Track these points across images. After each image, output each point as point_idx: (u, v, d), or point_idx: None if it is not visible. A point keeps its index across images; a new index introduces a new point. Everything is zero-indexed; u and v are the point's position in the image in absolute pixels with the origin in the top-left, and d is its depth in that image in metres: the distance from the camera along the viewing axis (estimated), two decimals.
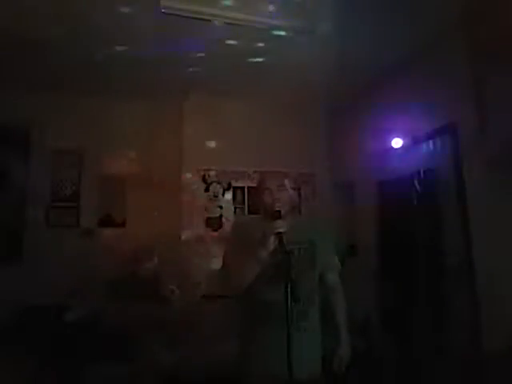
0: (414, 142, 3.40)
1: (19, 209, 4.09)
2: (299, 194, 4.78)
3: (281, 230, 1.51)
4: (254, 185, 4.46)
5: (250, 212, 4.55)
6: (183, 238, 4.29)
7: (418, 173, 3.28)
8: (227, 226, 4.40)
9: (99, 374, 2.88)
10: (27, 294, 3.53)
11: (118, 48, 3.33)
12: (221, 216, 4.46)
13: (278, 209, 1.62)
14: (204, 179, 4.48)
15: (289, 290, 1.41)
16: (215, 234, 4.38)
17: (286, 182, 1.75)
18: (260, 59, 3.57)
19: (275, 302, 1.53)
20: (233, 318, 3.04)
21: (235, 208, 4.54)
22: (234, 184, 4.57)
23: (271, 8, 2.82)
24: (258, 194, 1.78)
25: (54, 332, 3.15)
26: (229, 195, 4.54)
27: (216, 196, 4.49)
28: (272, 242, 1.52)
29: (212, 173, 4.50)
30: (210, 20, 2.88)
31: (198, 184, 4.45)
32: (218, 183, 4.52)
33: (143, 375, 2.90)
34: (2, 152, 4.07)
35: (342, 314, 1.86)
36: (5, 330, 3.15)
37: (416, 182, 3.30)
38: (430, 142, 3.23)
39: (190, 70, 3.75)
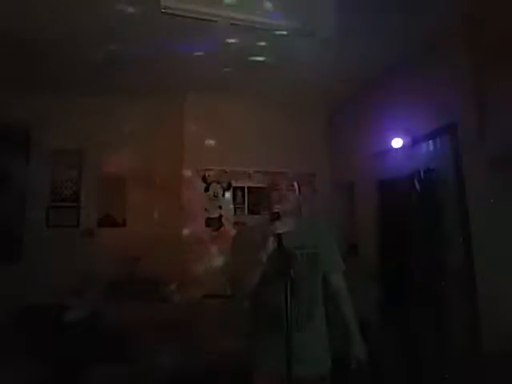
0: (413, 142, 3.40)
1: (19, 209, 4.09)
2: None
3: (279, 232, 1.51)
4: (254, 185, 4.57)
5: (249, 212, 4.55)
6: (183, 238, 4.29)
7: (418, 173, 3.28)
8: (227, 226, 4.41)
9: (99, 375, 2.88)
10: (27, 294, 3.53)
11: (119, 48, 3.33)
12: (221, 216, 4.46)
13: (276, 210, 1.63)
14: (204, 179, 4.48)
15: (288, 290, 1.40)
16: (215, 233, 4.38)
17: (295, 183, 1.77)
18: (260, 60, 3.57)
19: (279, 304, 1.54)
20: (232, 317, 3.05)
21: (235, 208, 4.54)
22: (234, 184, 4.57)
23: (271, 8, 2.82)
24: (267, 195, 1.78)
25: (53, 332, 3.15)
26: (229, 195, 4.55)
27: (216, 196, 4.49)
28: (271, 244, 1.52)
29: (212, 173, 4.51)
30: (209, 20, 2.88)
31: (198, 184, 4.45)
32: (218, 183, 4.52)
33: (143, 375, 2.90)
34: (2, 152, 4.07)
35: (351, 314, 1.85)
36: (5, 329, 3.15)
37: (416, 182, 3.30)
38: (430, 142, 3.23)
39: (190, 70, 3.75)
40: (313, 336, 1.68)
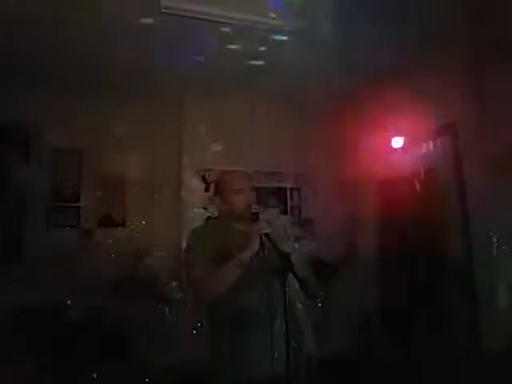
0: (413, 142, 3.40)
1: (19, 209, 4.09)
2: (299, 194, 4.79)
3: (266, 231, 1.50)
4: (254, 185, 4.55)
5: None
6: (183, 238, 4.29)
7: (418, 173, 3.28)
8: None
9: (99, 374, 2.89)
10: (27, 294, 3.53)
11: (119, 48, 3.33)
12: None
13: (255, 211, 1.60)
14: (204, 179, 4.47)
15: (285, 288, 1.38)
16: None
17: (247, 182, 1.78)
18: (260, 59, 3.57)
19: (254, 305, 1.53)
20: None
21: None
22: None
23: (271, 8, 2.83)
24: (229, 194, 1.76)
25: (53, 332, 3.15)
26: None
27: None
28: (256, 244, 1.50)
29: (212, 173, 4.50)
30: (209, 20, 2.88)
31: (197, 184, 4.45)
32: None
33: (143, 375, 2.91)
34: (2, 152, 4.06)
35: (302, 310, 1.79)
36: (4, 330, 3.15)
37: (416, 182, 3.30)
38: (430, 142, 3.23)
39: (190, 70, 3.75)
40: (279, 335, 1.61)
